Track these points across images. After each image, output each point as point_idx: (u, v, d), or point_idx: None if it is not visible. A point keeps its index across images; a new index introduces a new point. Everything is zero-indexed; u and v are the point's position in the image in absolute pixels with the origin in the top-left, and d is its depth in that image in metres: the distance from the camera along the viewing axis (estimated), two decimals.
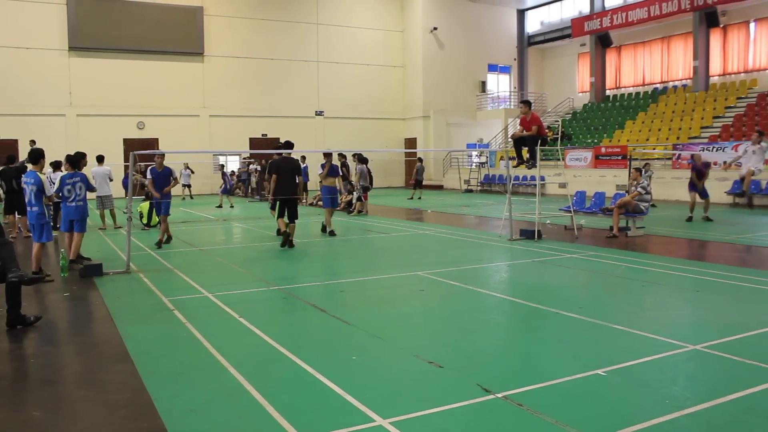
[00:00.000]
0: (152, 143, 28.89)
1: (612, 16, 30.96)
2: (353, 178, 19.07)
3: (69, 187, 9.72)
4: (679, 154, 23.25)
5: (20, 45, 27.34)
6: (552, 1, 36.17)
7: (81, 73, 28.57)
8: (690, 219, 15.13)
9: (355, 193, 18.81)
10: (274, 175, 11.61)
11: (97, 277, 8.99)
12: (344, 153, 20.25)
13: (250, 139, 31.99)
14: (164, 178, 12.28)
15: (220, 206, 21.99)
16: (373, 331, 6.08)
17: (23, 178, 9.34)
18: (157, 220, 15.87)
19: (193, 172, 27.59)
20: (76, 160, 10.18)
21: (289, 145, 12.21)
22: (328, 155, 14.51)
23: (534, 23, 37.82)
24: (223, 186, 23.03)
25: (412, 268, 9.50)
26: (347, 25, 34.28)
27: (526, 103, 12.75)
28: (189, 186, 27.42)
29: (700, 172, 15.40)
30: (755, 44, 27.88)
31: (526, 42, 37.93)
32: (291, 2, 33.00)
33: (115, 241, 12.97)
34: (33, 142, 19.38)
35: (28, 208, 9.13)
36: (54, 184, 13.58)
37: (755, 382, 4.51)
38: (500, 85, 38.25)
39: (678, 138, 25.25)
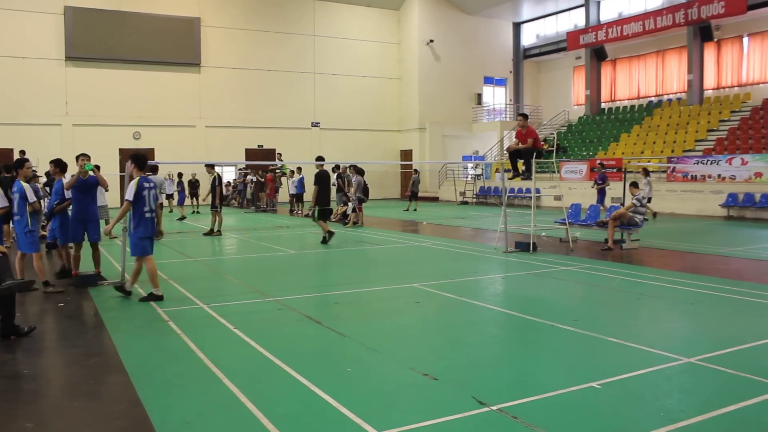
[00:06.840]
0: (148, 154, 28.88)
1: (607, 30, 31.18)
2: (350, 190, 19.09)
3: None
4: (674, 167, 23.39)
5: (17, 54, 27.37)
6: (547, 15, 36.43)
7: (77, 83, 28.58)
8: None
9: (350, 204, 18.81)
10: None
11: (91, 287, 8.97)
12: (340, 164, 20.32)
13: (246, 149, 32.03)
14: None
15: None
16: (368, 343, 6.07)
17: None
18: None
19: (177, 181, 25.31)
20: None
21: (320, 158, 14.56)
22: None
23: (530, 36, 38.07)
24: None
25: (408, 280, 9.50)
26: (344, 37, 34.42)
27: (524, 117, 12.85)
28: (171, 197, 25.15)
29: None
30: (748, 59, 28.11)
31: (522, 55, 38.16)
32: (288, 14, 33.14)
33: (110, 251, 12.92)
34: (23, 152, 19.43)
35: (15, 218, 8.96)
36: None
37: (749, 395, 4.52)
38: (496, 97, 38.43)
39: (673, 151, 25.39)
